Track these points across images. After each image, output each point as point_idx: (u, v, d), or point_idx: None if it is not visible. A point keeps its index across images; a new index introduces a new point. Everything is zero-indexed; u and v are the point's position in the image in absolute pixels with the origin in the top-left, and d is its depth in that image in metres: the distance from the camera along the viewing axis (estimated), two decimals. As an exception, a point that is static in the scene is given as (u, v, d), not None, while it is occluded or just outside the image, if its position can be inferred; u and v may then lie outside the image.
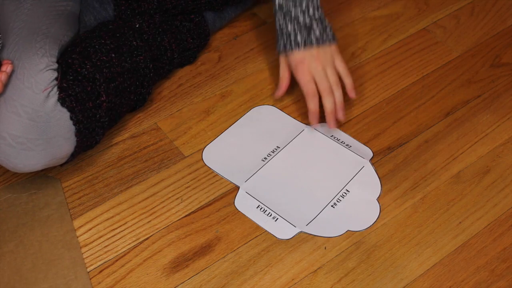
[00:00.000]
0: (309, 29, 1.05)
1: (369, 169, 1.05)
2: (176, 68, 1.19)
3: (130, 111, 1.12)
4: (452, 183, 1.03)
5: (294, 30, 1.05)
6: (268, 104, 1.14)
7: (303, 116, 1.12)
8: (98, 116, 0.99)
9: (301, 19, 1.04)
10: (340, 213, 0.99)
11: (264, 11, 1.31)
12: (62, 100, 0.94)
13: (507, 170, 1.04)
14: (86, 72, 0.98)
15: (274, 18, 1.07)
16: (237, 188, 1.02)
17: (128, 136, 1.10)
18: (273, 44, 1.25)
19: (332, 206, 1.00)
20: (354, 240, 0.96)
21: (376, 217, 0.99)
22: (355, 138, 1.09)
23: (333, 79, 1.06)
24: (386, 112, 1.13)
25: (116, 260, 0.95)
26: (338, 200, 1.01)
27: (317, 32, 1.05)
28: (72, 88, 0.96)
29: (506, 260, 0.94)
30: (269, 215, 0.99)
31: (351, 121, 1.12)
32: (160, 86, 1.17)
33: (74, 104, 0.95)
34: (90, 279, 0.92)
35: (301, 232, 0.97)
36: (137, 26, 1.10)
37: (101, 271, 0.93)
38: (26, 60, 0.93)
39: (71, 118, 0.95)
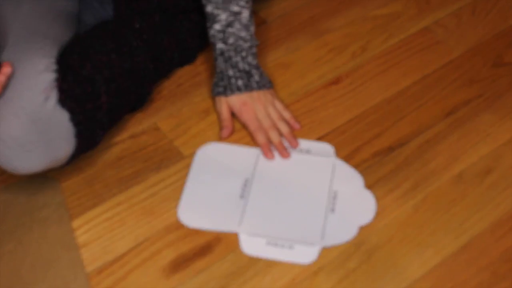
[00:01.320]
0: (248, 74, 1.08)
1: (340, 164, 1.05)
2: (176, 68, 1.19)
3: (130, 112, 1.12)
4: (454, 183, 1.02)
5: (235, 75, 1.08)
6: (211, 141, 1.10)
7: (247, 140, 1.09)
8: (98, 117, 0.99)
9: (240, 65, 1.08)
10: (342, 215, 0.99)
11: (264, 11, 1.31)
12: (62, 102, 0.94)
13: (509, 170, 1.04)
14: (86, 73, 0.98)
15: (214, 61, 1.10)
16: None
17: (128, 136, 1.10)
18: (273, 43, 1.24)
19: (331, 211, 0.99)
20: (355, 241, 0.96)
21: (375, 203, 0.99)
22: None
23: (275, 116, 1.09)
24: (387, 111, 1.13)
25: (115, 261, 0.94)
26: (333, 204, 1.00)
27: (256, 77, 1.09)
28: (72, 89, 0.96)
29: (508, 261, 0.93)
30: (282, 246, 0.95)
31: (352, 121, 1.11)
32: (160, 86, 1.17)
33: (74, 105, 0.95)
34: (89, 280, 0.92)
35: (322, 248, 0.95)
36: (137, 26, 1.09)
37: (100, 272, 0.93)
38: (26, 62, 0.93)
39: (71, 120, 0.94)
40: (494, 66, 1.20)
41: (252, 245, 0.96)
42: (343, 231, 0.97)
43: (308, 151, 1.07)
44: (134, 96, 1.07)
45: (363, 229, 0.97)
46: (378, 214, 0.99)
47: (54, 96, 0.93)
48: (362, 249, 0.95)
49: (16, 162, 0.92)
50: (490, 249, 0.95)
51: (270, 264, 0.94)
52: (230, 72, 1.08)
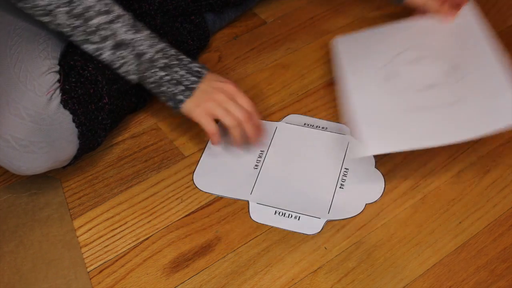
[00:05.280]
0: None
1: (355, 142, 1.07)
2: (176, 68, 1.19)
3: (131, 113, 1.12)
4: (452, 183, 1.03)
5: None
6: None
7: (268, 115, 1.12)
8: (100, 118, 0.99)
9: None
10: (351, 191, 1.01)
11: (264, 11, 1.31)
12: (65, 102, 0.94)
13: (507, 170, 1.04)
14: (88, 74, 0.98)
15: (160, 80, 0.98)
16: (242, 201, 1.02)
17: (128, 136, 1.10)
18: (273, 44, 1.25)
19: (340, 187, 1.01)
20: (354, 240, 0.96)
21: (384, 184, 1.02)
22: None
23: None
24: (386, 112, 1.13)
25: (116, 260, 0.95)
26: (343, 180, 1.02)
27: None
28: (75, 90, 0.96)
29: (506, 260, 0.94)
30: (290, 216, 0.98)
31: (351, 121, 1.12)
32: (160, 86, 1.17)
33: (77, 106, 0.95)
34: (90, 279, 0.92)
35: (327, 221, 0.98)
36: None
37: (101, 271, 0.94)
38: (29, 63, 0.93)
39: (73, 121, 0.95)
40: (493, 66, 1.20)
41: (260, 214, 0.99)
42: (350, 207, 0.99)
43: (324, 128, 1.10)
44: (135, 98, 1.08)
45: (362, 228, 0.98)
46: (378, 214, 0.99)
47: (56, 97, 0.93)
48: (362, 249, 0.95)
49: (19, 163, 0.93)
50: (488, 249, 0.95)
51: (269, 263, 0.94)
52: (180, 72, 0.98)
